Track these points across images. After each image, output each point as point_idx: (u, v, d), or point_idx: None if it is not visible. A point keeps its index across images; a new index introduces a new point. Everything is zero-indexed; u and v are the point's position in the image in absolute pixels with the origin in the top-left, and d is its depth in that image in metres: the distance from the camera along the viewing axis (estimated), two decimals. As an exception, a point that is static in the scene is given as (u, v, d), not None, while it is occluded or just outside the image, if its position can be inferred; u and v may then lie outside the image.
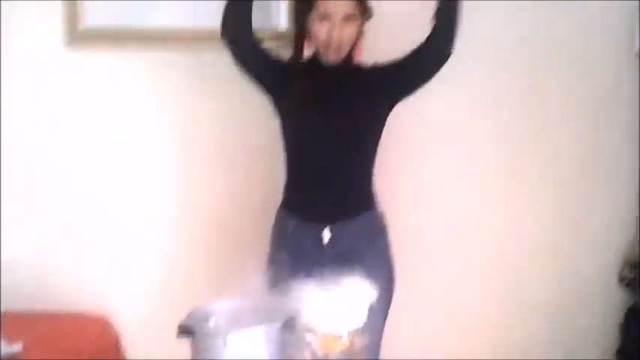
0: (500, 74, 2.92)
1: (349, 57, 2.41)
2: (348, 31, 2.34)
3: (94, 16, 2.77)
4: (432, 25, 2.37)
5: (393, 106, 2.46)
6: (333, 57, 2.37)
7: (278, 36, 2.78)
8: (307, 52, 2.43)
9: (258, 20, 2.80)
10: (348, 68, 2.42)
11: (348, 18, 2.33)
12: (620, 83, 2.94)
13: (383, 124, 2.47)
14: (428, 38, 2.38)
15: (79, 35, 2.84)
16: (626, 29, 2.89)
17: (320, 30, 2.33)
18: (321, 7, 2.31)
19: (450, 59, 2.38)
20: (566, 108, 2.95)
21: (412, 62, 2.41)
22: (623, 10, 2.88)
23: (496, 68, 2.91)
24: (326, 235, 2.41)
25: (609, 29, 2.91)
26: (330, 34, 2.32)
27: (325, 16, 2.31)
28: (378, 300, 1.86)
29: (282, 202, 2.52)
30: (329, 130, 2.38)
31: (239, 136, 2.92)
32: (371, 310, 1.84)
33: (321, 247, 2.42)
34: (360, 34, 2.41)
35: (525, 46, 2.90)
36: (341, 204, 2.43)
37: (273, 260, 2.48)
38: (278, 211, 2.52)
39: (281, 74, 2.44)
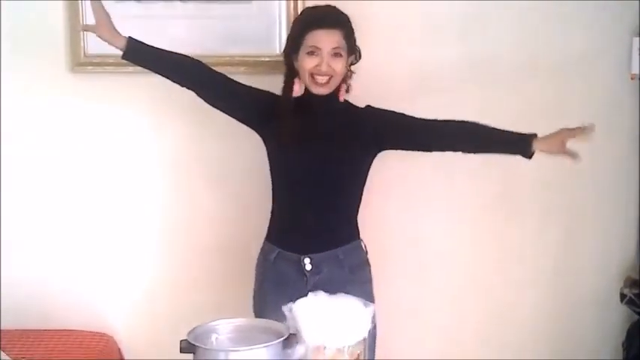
0: (494, 96, 2.93)
1: (337, 94, 2.43)
2: (336, 65, 2.36)
3: (96, 43, 2.80)
4: (463, 131, 2.43)
5: (380, 151, 2.47)
6: (321, 90, 2.38)
7: (278, 62, 2.79)
8: (297, 90, 2.44)
9: (259, 46, 2.89)
10: (337, 106, 2.44)
11: (335, 53, 2.35)
12: (617, 107, 2.95)
13: (368, 166, 2.48)
14: (453, 133, 2.44)
15: (82, 62, 2.88)
16: (623, 52, 2.91)
17: (309, 63, 2.35)
18: (309, 41, 2.34)
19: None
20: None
21: (420, 131, 2.44)
22: (619, 33, 2.91)
23: (491, 93, 2.93)
24: (307, 263, 2.42)
25: (606, 53, 2.93)
26: (318, 67, 2.35)
27: (314, 50, 2.35)
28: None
29: (267, 233, 2.53)
30: (312, 167, 2.40)
31: (238, 161, 2.95)
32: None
33: (303, 275, 2.43)
34: (348, 74, 2.43)
35: (520, 72, 2.93)
36: (320, 236, 2.44)
37: (257, 291, 2.52)
38: (263, 243, 2.54)
39: (266, 107, 2.45)
